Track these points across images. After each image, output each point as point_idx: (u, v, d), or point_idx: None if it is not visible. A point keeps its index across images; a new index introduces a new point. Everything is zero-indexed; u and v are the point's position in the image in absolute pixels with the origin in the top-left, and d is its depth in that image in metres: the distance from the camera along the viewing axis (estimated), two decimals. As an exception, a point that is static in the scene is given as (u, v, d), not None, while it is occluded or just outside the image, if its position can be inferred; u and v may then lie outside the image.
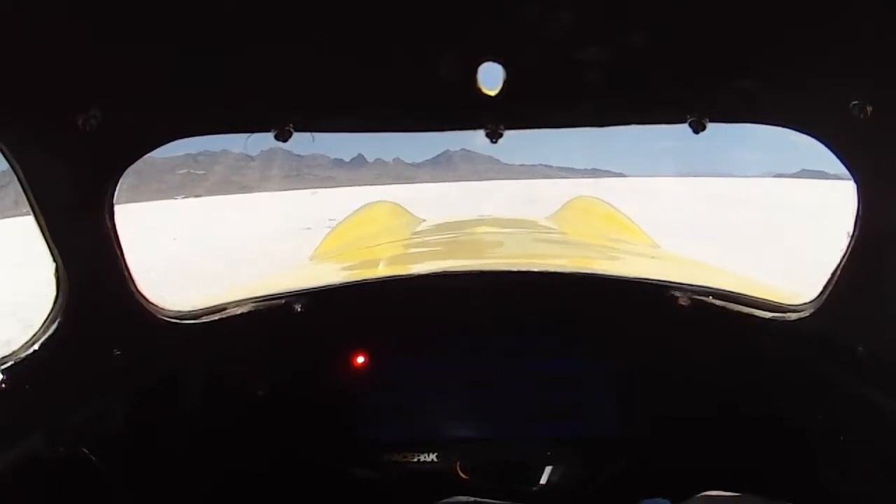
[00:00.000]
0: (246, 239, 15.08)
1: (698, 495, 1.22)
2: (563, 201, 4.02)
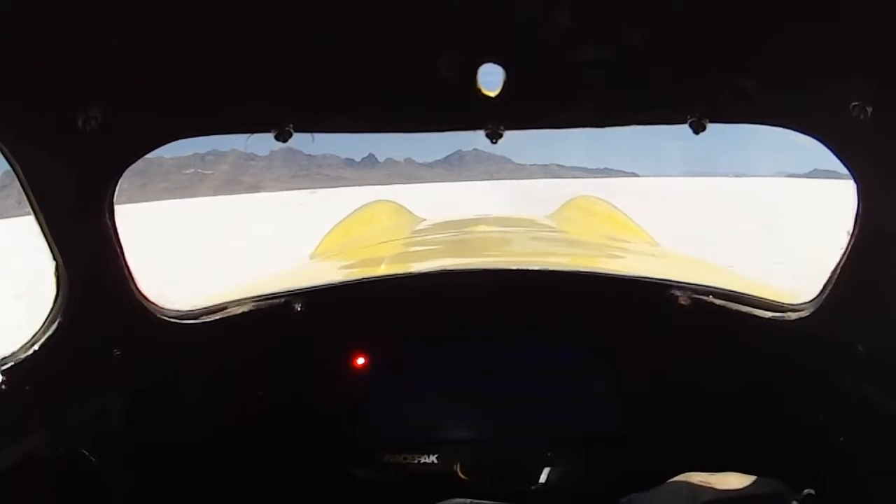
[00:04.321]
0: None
1: (680, 477, 1.22)
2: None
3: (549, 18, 0.88)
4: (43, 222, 1.07)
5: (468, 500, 1.24)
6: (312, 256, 3.09)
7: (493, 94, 0.97)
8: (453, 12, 0.88)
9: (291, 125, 1.07)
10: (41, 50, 0.87)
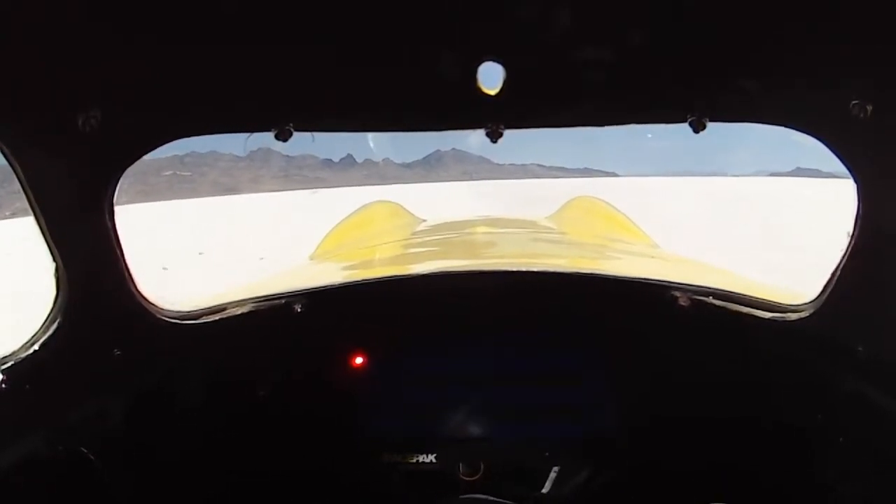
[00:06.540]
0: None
1: None
2: (560, 201, 4.01)
3: (549, 17, 0.88)
4: (43, 222, 1.07)
5: (490, 498, 1.22)
6: (312, 257, 3.08)
7: (493, 92, 0.97)
8: (453, 11, 0.88)
9: (291, 125, 1.07)
10: (41, 50, 0.87)
